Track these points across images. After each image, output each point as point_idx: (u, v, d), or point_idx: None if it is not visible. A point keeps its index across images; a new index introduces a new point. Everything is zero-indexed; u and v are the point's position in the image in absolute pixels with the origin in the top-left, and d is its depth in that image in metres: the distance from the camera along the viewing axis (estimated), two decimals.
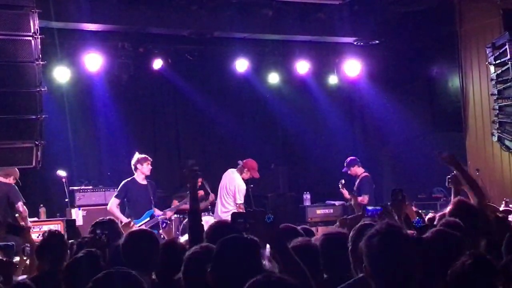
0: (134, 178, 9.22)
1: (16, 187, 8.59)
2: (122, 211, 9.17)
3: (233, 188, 9.81)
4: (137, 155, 9.26)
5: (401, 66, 13.04)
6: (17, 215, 8.41)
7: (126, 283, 2.84)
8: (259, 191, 12.52)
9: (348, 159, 11.03)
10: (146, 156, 9.25)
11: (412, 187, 11.97)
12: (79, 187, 10.74)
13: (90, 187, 10.89)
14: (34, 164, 7.17)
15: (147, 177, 9.32)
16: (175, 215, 10.62)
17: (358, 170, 10.90)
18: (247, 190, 11.04)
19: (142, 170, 9.14)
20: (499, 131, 9.91)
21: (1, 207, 8.43)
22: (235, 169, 10.08)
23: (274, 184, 13.19)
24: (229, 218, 9.35)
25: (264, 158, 13.31)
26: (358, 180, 10.83)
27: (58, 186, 9.80)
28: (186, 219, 10.75)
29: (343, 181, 10.46)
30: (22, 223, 8.35)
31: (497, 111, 9.95)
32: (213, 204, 10.54)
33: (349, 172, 10.92)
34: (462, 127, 11.19)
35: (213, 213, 10.43)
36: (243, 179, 10.02)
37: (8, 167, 8.17)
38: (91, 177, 11.55)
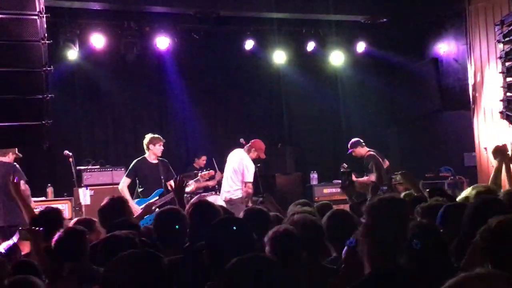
0: (145, 157, 9.36)
1: (17, 165, 8.52)
2: (133, 189, 9.31)
3: (241, 167, 9.79)
4: (149, 135, 9.38)
5: (409, 44, 12.97)
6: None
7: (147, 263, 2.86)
8: (266, 171, 12.54)
9: (351, 140, 10.94)
10: (159, 136, 9.37)
11: (420, 166, 11.96)
12: (86, 167, 10.75)
13: (98, 166, 10.90)
14: (41, 144, 7.17)
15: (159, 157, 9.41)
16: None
17: (362, 151, 10.75)
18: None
19: (154, 150, 9.28)
20: (507, 109, 9.86)
21: (4, 187, 8.36)
22: (242, 149, 10.06)
23: (281, 163, 13.19)
24: (234, 197, 9.59)
25: (270, 138, 13.32)
26: (364, 160, 10.77)
27: (66, 166, 9.81)
28: (194, 198, 10.80)
29: (345, 165, 10.46)
30: (26, 201, 8.38)
31: (506, 89, 9.89)
32: (220, 183, 10.56)
33: (353, 154, 10.82)
34: (470, 106, 11.14)
35: (219, 192, 10.46)
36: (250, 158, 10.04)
37: (16, 146, 8.20)
38: (98, 157, 11.57)
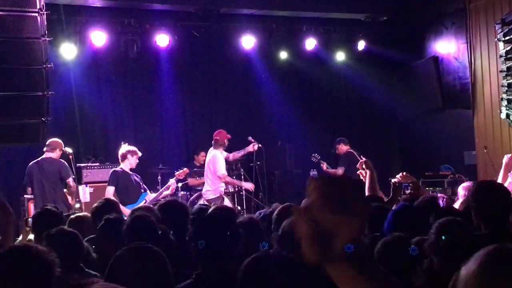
0: (122, 167, 9.17)
1: (66, 163, 9.12)
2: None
3: (212, 164, 10.14)
4: (127, 146, 9.22)
5: (410, 42, 12.97)
6: (65, 190, 9.05)
7: (150, 257, 2.87)
8: (266, 168, 12.53)
9: (337, 139, 11.76)
10: (136, 149, 9.23)
11: (420, 164, 11.96)
12: (86, 164, 10.74)
13: (97, 163, 10.88)
14: (40, 140, 7.19)
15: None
16: (182, 192, 10.66)
17: (344, 148, 11.46)
18: (253, 167, 11.19)
19: (130, 161, 9.11)
20: (507, 108, 9.86)
21: (53, 182, 8.93)
22: (213, 149, 10.32)
23: (281, 161, 13.19)
24: (212, 196, 9.82)
25: (271, 135, 13.31)
26: (342, 156, 11.58)
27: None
28: (194, 196, 10.81)
29: (316, 155, 11.06)
30: (69, 197, 9.10)
31: (506, 88, 9.89)
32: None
33: (337, 151, 11.59)
34: (470, 104, 11.14)
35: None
36: (224, 149, 10.40)
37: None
38: (98, 154, 11.56)
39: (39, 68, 6.94)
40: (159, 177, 10.63)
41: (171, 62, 12.49)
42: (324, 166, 11.40)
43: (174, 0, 11.30)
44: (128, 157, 9.13)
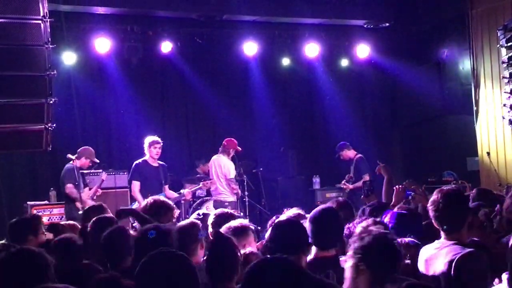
0: (145, 160, 9.39)
1: (70, 168, 9.11)
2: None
3: (224, 170, 10.14)
4: (147, 139, 9.41)
5: (411, 49, 12.98)
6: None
7: (176, 264, 2.88)
8: (269, 175, 12.55)
9: (338, 144, 11.39)
10: (156, 139, 9.34)
11: (422, 170, 11.95)
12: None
13: (100, 170, 10.87)
14: (44, 147, 7.19)
15: (160, 159, 9.46)
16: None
17: (350, 153, 11.21)
18: (256, 174, 11.17)
19: (150, 153, 9.30)
20: (509, 114, 9.86)
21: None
22: (219, 154, 10.20)
23: (284, 167, 13.19)
24: (231, 199, 9.79)
25: (273, 142, 13.31)
26: (353, 163, 11.14)
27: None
28: (196, 203, 10.79)
29: (346, 180, 10.82)
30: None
31: (508, 94, 9.89)
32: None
33: (341, 157, 11.27)
34: (473, 110, 11.13)
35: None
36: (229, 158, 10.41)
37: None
38: (101, 160, 11.55)
39: (42, 75, 6.96)
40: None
41: (174, 69, 12.51)
42: (350, 186, 11.09)
43: (176, 7, 11.32)
44: (146, 150, 9.34)
